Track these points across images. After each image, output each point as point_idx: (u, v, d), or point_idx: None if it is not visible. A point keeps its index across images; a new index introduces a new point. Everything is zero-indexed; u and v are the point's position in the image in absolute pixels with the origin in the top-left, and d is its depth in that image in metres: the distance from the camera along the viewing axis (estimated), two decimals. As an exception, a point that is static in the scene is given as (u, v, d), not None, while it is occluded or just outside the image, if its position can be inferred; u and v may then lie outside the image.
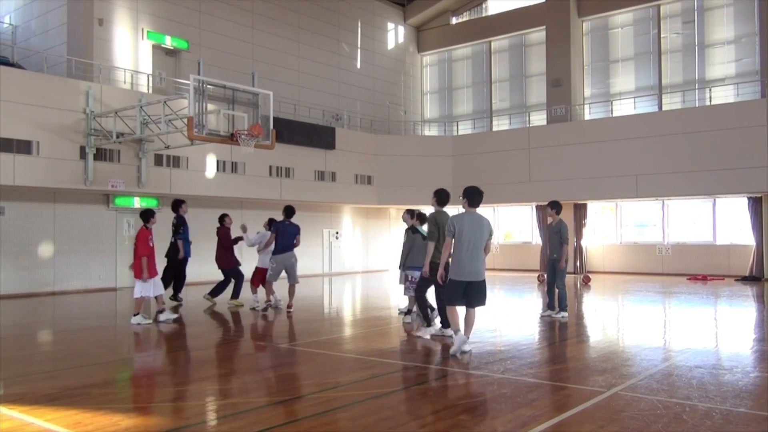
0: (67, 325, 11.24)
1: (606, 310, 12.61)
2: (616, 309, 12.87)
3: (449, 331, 8.21)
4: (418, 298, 8.99)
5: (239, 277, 12.74)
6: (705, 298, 14.22)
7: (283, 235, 11.44)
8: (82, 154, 14.67)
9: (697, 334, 9.27)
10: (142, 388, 6.45)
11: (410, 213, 10.49)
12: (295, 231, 11.55)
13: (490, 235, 7.50)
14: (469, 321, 7.57)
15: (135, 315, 10.19)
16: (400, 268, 10.37)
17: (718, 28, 20.97)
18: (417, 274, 9.28)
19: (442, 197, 8.67)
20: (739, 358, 7.48)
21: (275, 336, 9.65)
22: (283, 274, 11.65)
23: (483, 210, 7.93)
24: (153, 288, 10.28)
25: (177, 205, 12.78)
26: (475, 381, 6.30)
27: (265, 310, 11.79)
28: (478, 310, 7.62)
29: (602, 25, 23.24)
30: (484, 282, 7.49)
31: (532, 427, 4.65)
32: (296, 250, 11.67)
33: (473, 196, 7.48)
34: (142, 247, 10.09)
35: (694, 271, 19.85)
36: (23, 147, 13.75)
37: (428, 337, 8.65)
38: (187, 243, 12.88)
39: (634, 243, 21.75)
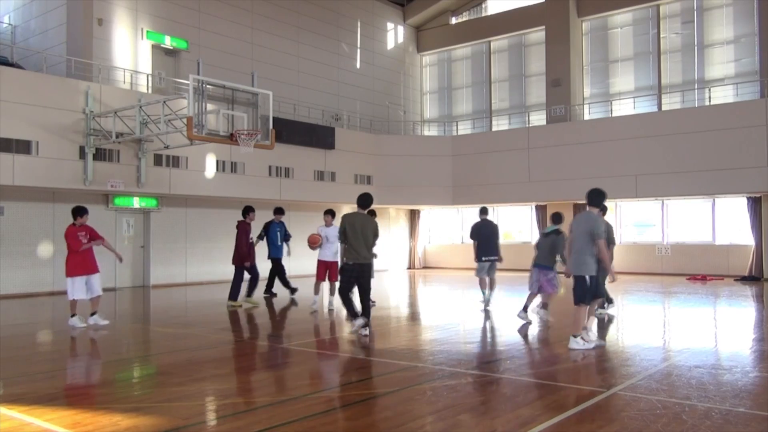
0: (67, 325, 11.22)
1: (605, 310, 12.59)
2: (615, 309, 12.85)
3: (365, 329, 8.56)
4: (342, 296, 8.83)
5: (240, 278, 12.69)
6: (704, 298, 14.23)
7: None
8: (82, 154, 14.67)
9: (696, 334, 9.28)
10: (141, 388, 6.45)
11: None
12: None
13: (592, 232, 7.55)
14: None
15: (72, 316, 10.03)
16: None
17: (717, 28, 20.97)
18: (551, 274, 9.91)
19: (361, 201, 8.75)
20: (738, 357, 7.49)
21: (275, 336, 9.64)
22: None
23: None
24: (90, 288, 10.07)
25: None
26: (475, 381, 6.30)
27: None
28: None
29: (602, 25, 23.25)
30: (576, 278, 7.71)
31: (532, 427, 4.65)
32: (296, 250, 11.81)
33: (589, 196, 7.80)
34: (74, 242, 9.83)
35: (694, 271, 19.85)
36: (23, 147, 13.75)
37: (359, 330, 8.63)
38: (274, 246, 13.67)
39: (633, 243, 21.74)
